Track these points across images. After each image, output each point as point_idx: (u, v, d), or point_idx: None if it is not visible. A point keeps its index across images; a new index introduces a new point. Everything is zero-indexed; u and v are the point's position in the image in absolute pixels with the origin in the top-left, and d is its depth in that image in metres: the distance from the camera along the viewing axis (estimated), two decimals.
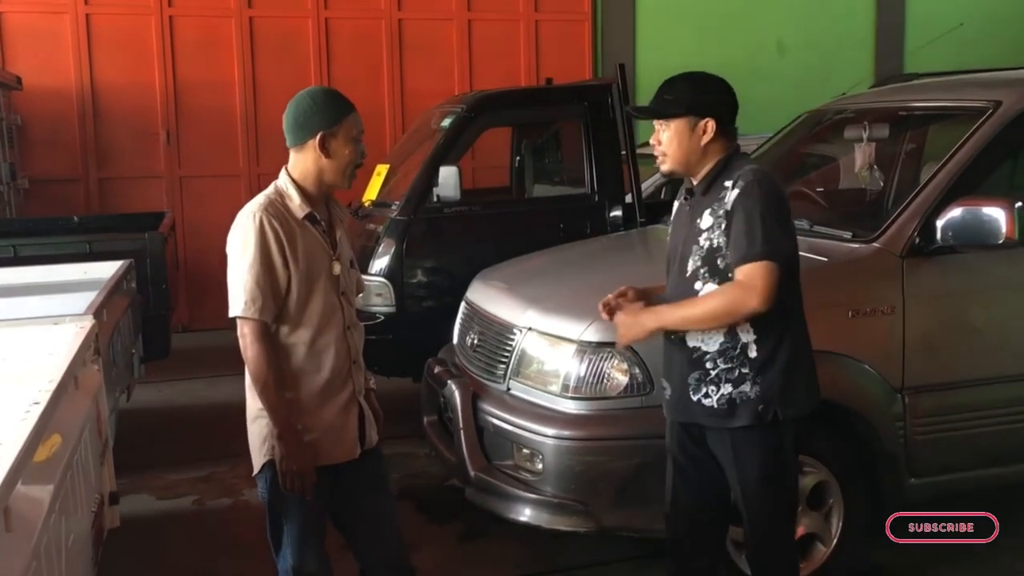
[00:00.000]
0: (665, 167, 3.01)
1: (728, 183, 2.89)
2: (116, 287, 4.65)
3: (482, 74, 9.59)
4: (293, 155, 2.87)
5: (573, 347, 3.73)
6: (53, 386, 2.64)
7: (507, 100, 7.00)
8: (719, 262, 2.88)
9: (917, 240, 3.73)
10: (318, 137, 2.76)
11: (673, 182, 7.77)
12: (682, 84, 2.97)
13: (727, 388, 2.91)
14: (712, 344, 2.91)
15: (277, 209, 2.77)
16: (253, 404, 2.87)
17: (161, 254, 5.92)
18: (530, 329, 3.97)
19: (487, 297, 4.40)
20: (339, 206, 2.99)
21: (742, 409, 2.90)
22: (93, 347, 3.59)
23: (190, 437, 6.04)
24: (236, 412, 6.89)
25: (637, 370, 3.61)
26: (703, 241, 2.91)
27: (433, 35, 9.64)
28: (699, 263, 2.92)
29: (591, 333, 3.70)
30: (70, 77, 8.70)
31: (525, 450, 3.76)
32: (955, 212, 3.64)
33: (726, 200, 2.86)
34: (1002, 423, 3.87)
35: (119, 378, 4.64)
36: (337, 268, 2.85)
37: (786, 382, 2.90)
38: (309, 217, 2.81)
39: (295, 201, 2.80)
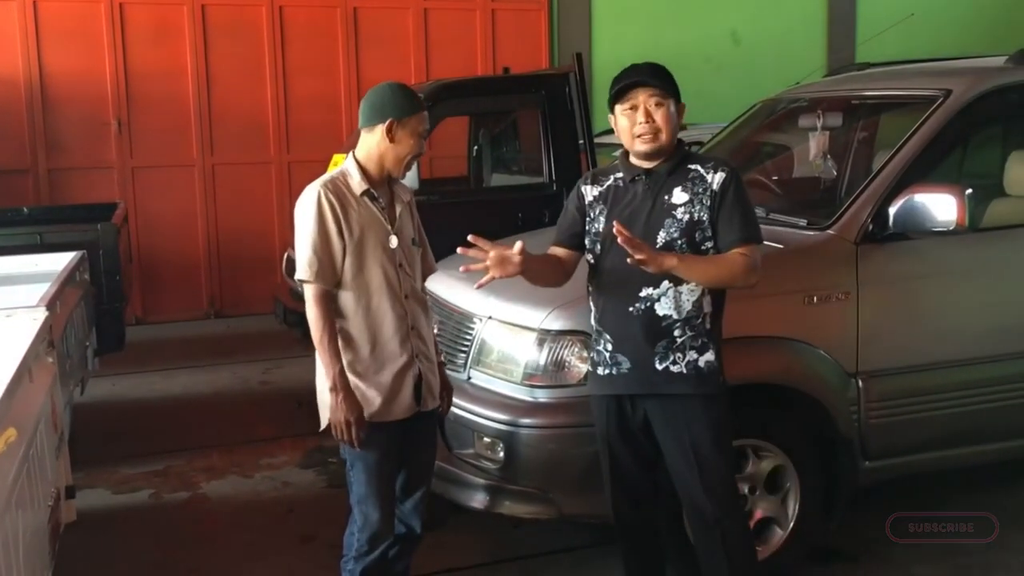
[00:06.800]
0: (655, 144, 3.06)
1: (698, 166, 3.10)
2: (69, 279, 4.58)
3: (438, 63, 9.55)
4: (362, 136, 3.13)
5: (533, 335, 3.74)
6: (7, 379, 2.60)
7: (465, 89, 6.99)
8: (697, 235, 3.05)
9: (870, 227, 3.80)
10: (387, 123, 3.03)
11: None
12: (665, 70, 3.11)
13: (692, 355, 3.08)
14: (682, 312, 3.06)
15: (337, 186, 3.06)
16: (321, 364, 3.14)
17: (114, 245, 5.83)
18: (490, 318, 3.97)
19: (446, 287, 4.39)
20: (402, 187, 3.25)
21: (709, 377, 3.09)
22: (47, 339, 3.53)
23: (145, 431, 5.97)
24: (192, 405, 6.88)
25: None
26: (680, 214, 3.06)
27: (389, 23, 9.59)
28: (676, 235, 3.05)
29: (551, 321, 3.71)
30: (17, 65, 8.52)
31: (486, 439, 3.76)
32: (907, 199, 3.72)
33: (709, 181, 3.06)
34: (953, 406, 3.94)
35: (73, 371, 4.57)
36: (394, 241, 3.10)
37: (722, 353, 3.15)
38: (367, 194, 3.08)
39: (355, 179, 3.09)
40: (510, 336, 3.86)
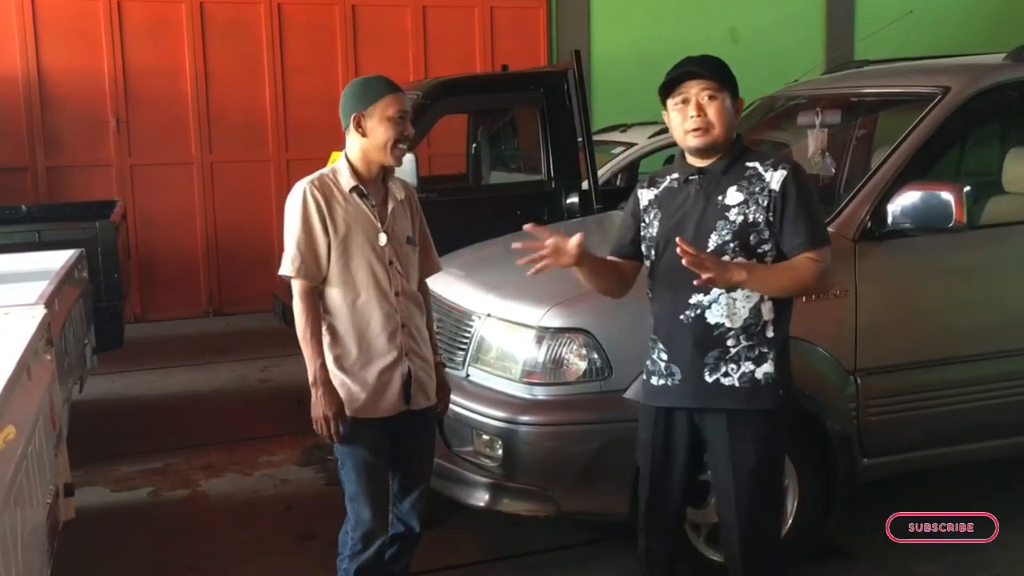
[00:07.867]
0: (707, 139, 2.90)
1: (756, 164, 2.92)
2: (67, 276, 4.57)
3: (437, 61, 9.55)
4: (347, 137, 3.16)
5: (532, 332, 3.74)
6: (6, 377, 2.60)
7: (464, 87, 6.99)
8: (752, 238, 2.86)
9: (869, 224, 3.80)
10: (353, 118, 3.08)
11: (631, 168, 7.82)
12: (719, 62, 2.98)
13: (748, 366, 2.89)
14: (737, 320, 2.88)
15: (324, 182, 3.09)
16: None
17: (113, 243, 5.83)
18: (489, 315, 3.97)
19: (445, 284, 4.39)
20: (399, 185, 3.23)
21: (766, 390, 2.90)
22: (45, 337, 3.53)
23: (144, 429, 5.97)
24: (190, 403, 6.86)
25: (596, 355, 3.63)
26: (734, 216, 2.87)
27: (387, 21, 9.58)
28: (728, 237, 2.86)
29: (550, 318, 3.71)
30: (15, 63, 8.51)
31: (484, 436, 3.77)
32: (906, 196, 3.72)
33: (767, 180, 2.87)
34: (952, 403, 3.95)
35: (72, 369, 4.57)
36: (383, 239, 3.09)
37: (788, 364, 2.97)
38: (356, 190, 3.08)
39: (344, 176, 3.10)
40: (509, 333, 3.87)
